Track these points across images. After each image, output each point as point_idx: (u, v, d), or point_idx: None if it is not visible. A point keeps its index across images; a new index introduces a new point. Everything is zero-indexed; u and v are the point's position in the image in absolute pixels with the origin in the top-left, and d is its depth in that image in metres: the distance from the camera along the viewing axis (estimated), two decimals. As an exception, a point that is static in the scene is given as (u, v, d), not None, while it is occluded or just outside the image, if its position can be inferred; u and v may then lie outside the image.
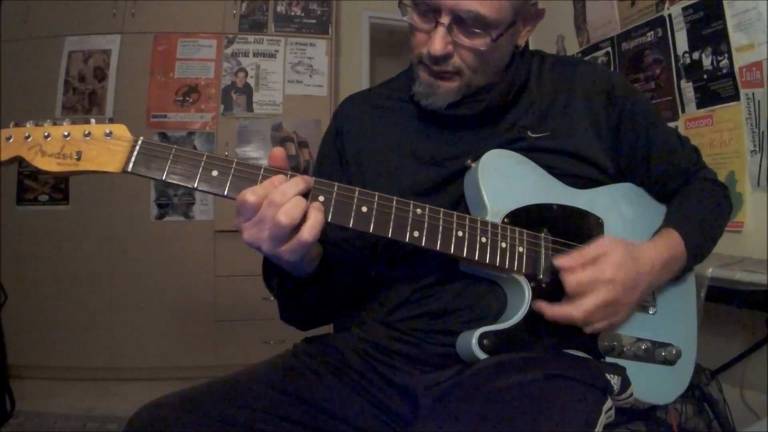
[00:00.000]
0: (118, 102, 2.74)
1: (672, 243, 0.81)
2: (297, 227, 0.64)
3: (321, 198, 0.68)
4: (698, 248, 0.84)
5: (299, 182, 0.65)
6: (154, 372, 2.57)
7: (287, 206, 0.63)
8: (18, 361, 2.34)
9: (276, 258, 0.67)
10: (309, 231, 0.64)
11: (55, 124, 0.65)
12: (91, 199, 2.64)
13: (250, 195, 0.63)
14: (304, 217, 0.65)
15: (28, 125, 0.65)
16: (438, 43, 0.75)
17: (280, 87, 2.89)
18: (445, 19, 0.75)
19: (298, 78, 2.91)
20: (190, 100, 2.81)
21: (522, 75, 0.86)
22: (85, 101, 2.74)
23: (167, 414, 0.70)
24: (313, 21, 2.95)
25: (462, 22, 0.75)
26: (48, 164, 0.64)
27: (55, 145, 0.64)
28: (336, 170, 0.92)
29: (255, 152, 2.83)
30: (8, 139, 0.64)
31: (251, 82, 2.87)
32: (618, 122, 0.86)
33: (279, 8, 2.92)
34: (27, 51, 2.70)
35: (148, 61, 2.78)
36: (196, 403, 0.72)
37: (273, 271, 0.77)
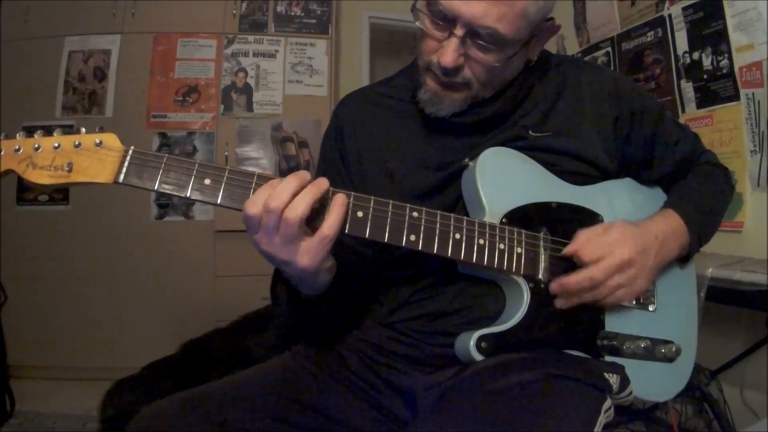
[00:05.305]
0: (118, 102, 2.74)
1: (669, 219, 0.83)
2: (313, 228, 0.63)
3: (316, 205, 0.67)
4: (699, 225, 0.85)
5: (291, 180, 0.63)
6: (154, 372, 2.58)
7: (292, 204, 0.61)
8: (18, 361, 2.33)
9: (288, 265, 0.64)
10: (329, 226, 0.63)
11: (45, 134, 0.63)
12: (91, 199, 2.64)
13: (252, 207, 0.62)
14: (319, 217, 0.64)
15: (18, 137, 0.63)
16: (450, 55, 0.73)
17: (280, 87, 2.89)
18: (459, 31, 0.72)
19: (298, 78, 2.91)
20: (190, 100, 2.80)
21: (530, 83, 0.85)
22: (85, 101, 2.73)
23: (167, 417, 0.71)
24: (313, 21, 2.95)
25: (477, 36, 0.72)
26: (39, 177, 0.62)
27: (46, 157, 0.62)
28: (340, 174, 0.90)
29: (255, 152, 2.82)
30: None
31: (251, 82, 2.87)
32: (630, 125, 0.86)
33: (279, 8, 2.92)
34: (27, 51, 2.70)
35: (148, 61, 2.78)
36: (196, 405, 0.72)
37: (284, 288, 0.75)
